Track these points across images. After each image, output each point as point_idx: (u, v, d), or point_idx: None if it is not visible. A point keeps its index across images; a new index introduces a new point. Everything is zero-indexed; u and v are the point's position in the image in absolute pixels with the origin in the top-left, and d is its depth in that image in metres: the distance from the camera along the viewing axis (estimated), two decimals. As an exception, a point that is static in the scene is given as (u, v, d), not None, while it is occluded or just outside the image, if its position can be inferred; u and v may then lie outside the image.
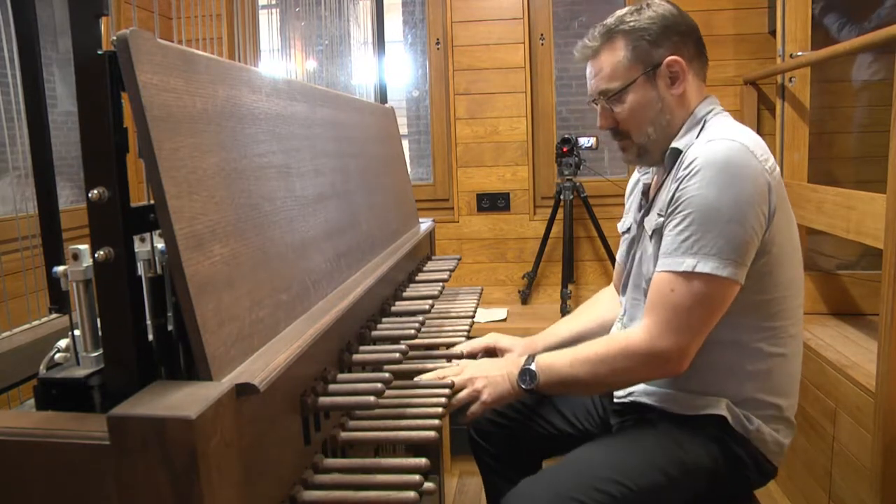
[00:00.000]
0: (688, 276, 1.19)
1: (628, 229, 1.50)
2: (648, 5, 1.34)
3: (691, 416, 1.29)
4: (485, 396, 1.28)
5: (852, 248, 2.60)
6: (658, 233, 1.29)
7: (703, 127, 1.31)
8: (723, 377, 1.29)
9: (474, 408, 1.28)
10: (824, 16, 2.76)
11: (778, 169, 1.26)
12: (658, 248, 1.27)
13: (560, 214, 3.00)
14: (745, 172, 1.18)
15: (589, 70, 1.38)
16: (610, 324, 1.57)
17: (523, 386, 1.28)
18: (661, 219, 1.28)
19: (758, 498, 1.37)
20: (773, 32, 2.79)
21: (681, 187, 1.22)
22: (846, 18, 2.72)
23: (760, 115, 2.91)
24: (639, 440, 1.29)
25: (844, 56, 2.53)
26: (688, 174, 1.21)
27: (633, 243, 1.44)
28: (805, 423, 2.11)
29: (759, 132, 2.88)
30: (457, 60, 3.12)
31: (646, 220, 1.37)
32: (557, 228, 3.04)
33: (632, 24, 1.31)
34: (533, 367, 1.28)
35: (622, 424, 1.40)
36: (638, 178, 1.53)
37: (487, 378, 1.29)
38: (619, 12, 1.35)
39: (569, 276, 2.97)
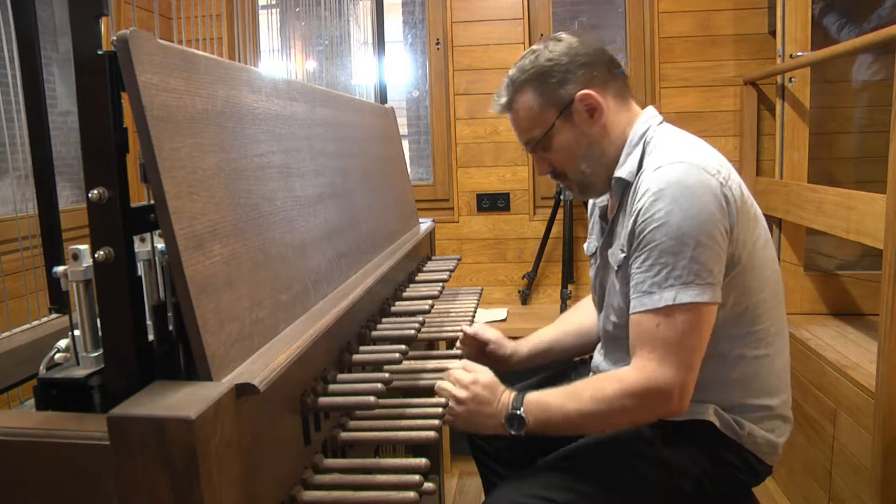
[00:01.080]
0: (669, 310, 1.15)
1: (594, 254, 1.48)
2: (546, 45, 1.31)
3: (679, 421, 1.26)
4: (457, 422, 1.24)
5: (852, 249, 2.60)
6: (623, 269, 1.26)
7: (644, 148, 1.28)
8: (708, 388, 1.25)
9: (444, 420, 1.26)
10: (824, 16, 2.76)
11: (733, 174, 1.22)
12: (625, 284, 1.24)
13: (560, 215, 3.01)
14: (701, 192, 1.15)
15: (511, 123, 1.38)
16: (587, 330, 1.58)
17: (512, 432, 1.23)
18: (624, 255, 1.25)
19: (757, 497, 1.37)
20: (773, 33, 2.79)
21: (639, 221, 1.18)
22: (846, 19, 2.72)
23: (760, 116, 2.91)
24: (625, 445, 1.28)
25: (844, 56, 2.53)
26: (643, 206, 1.18)
27: (600, 270, 1.42)
28: (805, 423, 2.11)
29: (759, 132, 2.89)
30: (457, 61, 3.12)
31: (609, 251, 1.34)
32: (557, 229, 3.04)
33: (531, 70, 1.30)
34: (521, 411, 1.22)
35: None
36: (594, 202, 1.51)
37: (474, 412, 1.24)
38: (519, 61, 1.33)
39: (569, 276, 2.98)
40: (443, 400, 1.12)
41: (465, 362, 1.30)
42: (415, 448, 1.71)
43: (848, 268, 2.58)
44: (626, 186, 1.28)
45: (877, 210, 1.73)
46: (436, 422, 1.00)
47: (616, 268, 1.29)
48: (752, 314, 1.25)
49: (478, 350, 1.59)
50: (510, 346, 1.59)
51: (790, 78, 2.56)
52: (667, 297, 1.15)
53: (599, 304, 1.45)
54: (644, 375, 1.16)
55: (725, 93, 2.94)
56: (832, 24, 2.75)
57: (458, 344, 1.58)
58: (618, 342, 1.35)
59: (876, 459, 1.64)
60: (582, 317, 1.64)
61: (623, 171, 1.28)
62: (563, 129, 1.30)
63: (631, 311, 1.21)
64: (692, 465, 1.26)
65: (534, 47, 1.33)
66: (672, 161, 1.18)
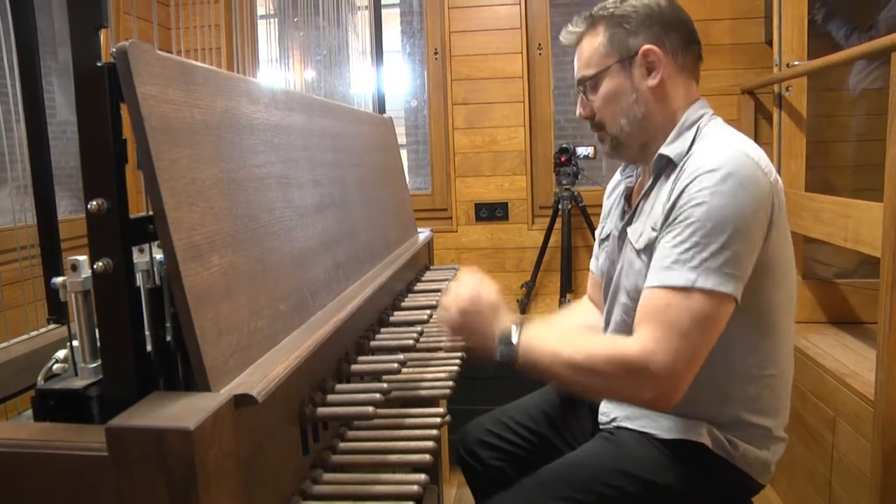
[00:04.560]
0: (686, 291, 1.08)
1: (607, 237, 1.43)
2: None
3: (671, 439, 1.23)
4: (455, 332, 1.25)
5: (850, 257, 2.60)
6: (649, 249, 1.21)
7: (696, 134, 1.24)
8: (707, 399, 1.22)
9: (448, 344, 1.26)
10: (828, 23, 2.76)
11: (780, 181, 1.21)
12: (646, 269, 1.19)
13: (558, 224, 3.01)
14: (752, 185, 1.11)
15: (575, 56, 1.36)
16: (586, 328, 1.53)
17: (498, 358, 1.19)
18: (655, 234, 1.19)
19: (757, 507, 1.37)
20: (769, 42, 2.80)
21: (682, 197, 1.13)
22: (853, 26, 2.72)
23: (758, 125, 2.92)
24: (615, 461, 1.25)
25: (841, 66, 2.54)
26: (689, 183, 1.13)
27: (614, 252, 1.37)
28: (804, 432, 2.11)
29: (756, 141, 2.87)
30: (455, 70, 3.13)
31: (629, 229, 1.30)
32: (556, 238, 3.05)
33: (612, 10, 1.28)
34: (516, 338, 1.19)
35: (603, 444, 1.33)
36: (619, 180, 1.47)
37: (471, 324, 1.23)
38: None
39: (567, 285, 2.98)
40: (441, 410, 1.12)
41: (473, 277, 1.28)
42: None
43: (846, 276, 2.58)
44: (666, 165, 1.24)
45: (874, 218, 1.73)
46: (427, 458, 0.97)
47: (641, 247, 1.24)
48: (769, 327, 1.22)
49: None
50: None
51: (787, 87, 2.57)
52: (687, 278, 1.09)
53: (605, 292, 1.40)
54: (641, 351, 1.08)
55: (723, 102, 2.94)
56: (838, 31, 2.75)
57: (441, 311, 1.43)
58: (626, 330, 1.27)
59: (875, 468, 1.64)
60: (579, 316, 1.59)
61: (670, 149, 1.23)
62: (617, 76, 1.27)
63: (646, 284, 1.15)
64: (683, 484, 1.23)
65: None
66: (729, 147, 1.15)
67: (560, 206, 2.98)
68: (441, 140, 3.25)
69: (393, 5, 3.35)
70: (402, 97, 3.43)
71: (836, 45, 2.72)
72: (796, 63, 2.53)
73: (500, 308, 1.24)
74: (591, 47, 1.30)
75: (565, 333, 1.22)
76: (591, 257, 1.55)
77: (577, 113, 1.35)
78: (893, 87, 1.57)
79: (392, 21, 3.33)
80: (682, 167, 1.19)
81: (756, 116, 2.91)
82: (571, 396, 1.50)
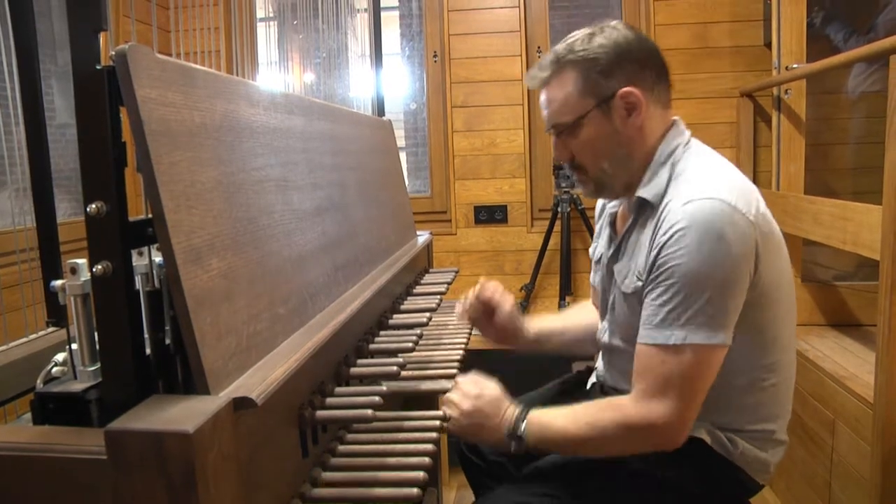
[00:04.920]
0: (678, 348, 1.12)
1: (598, 260, 1.44)
2: (602, 30, 1.24)
3: None
4: (460, 433, 1.27)
5: (849, 259, 2.60)
6: (636, 296, 1.22)
7: (671, 172, 1.22)
8: (708, 409, 1.21)
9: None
10: (826, 26, 2.76)
11: (761, 204, 1.18)
12: (637, 309, 1.21)
13: (558, 226, 3.01)
14: (731, 234, 1.10)
15: (542, 99, 1.30)
16: (591, 327, 1.54)
17: (513, 448, 1.24)
18: (640, 283, 1.21)
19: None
20: (768, 45, 2.81)
21: (662, 254, 1.14)
22: (852, 28, 2.72)
23: (757, 127, 2.92)
24: (615, 461, 1.26)
25: (839, 68, 2.55)
26: (668, 242, 1.13)
27: (605, 280, 1.38)
28: (804, 435, 2.11)
29: (755, 144, 2.90)
30: (454, 73, 3.13)
31: (615, 267, 1.31)
32: (555, 240, 3.05)
33: (581, 53, 1.23)
34: (523, 431, 1.23)
35: None
36: (603, 203, 1.47)
37: (477, 426, 1.25)
38: (571, 37, 1.26)
39: (566, 287, 2.98)
40: (440, 412, 1.12)
41: (474, 375, 1.30)
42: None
43: (845, 278, 2.59)
44: (645, 206, 1.24)
45: (873, 221, 1.74)
46: (427, 460, 0.96)
47: (628, 292, 1.26)
48: (768, 347, 1.23)
49: (484, 319, 1.55)
50: (519, 324, 1.55)
51: (786, 90, 2.57)
52: (677, 336, 1.12)
53: (602, 312, 1.42)
54: (643, 410, 1.15)
55: (722, 104, 2.95)
56: (837, 34, 2.75)
57: (465, 307, 1.54)
58: (623, 355, 1.32)
59: (875, 470, 1.64)
60: (587, 315, 1.60)
61: (647, 191, 1.23)
62: (597, 121, 1.24)
63: (638, 339, 1.18)
64: (682, 479, 1.24)
65: (588, 29, 1.26)
66: (702, 196, 1.13)
67: (559, 209, 2.98)
68: (440, 143, 3.25)
69: (392, 8, 3.35)
70: (402, 100, 3.43)
71: (834, 48, 2.73)
72: (795, 66, 2.53)
73: (503, 400, 1.28)
74: (564, 92, 1.25)
75: (565, 412, 1.24)
76: (589, 260, 1.56)
77: (554, 157, 1.35)
78: (892, 90, 1.58)
79: (391, 24, 3.33)
80: (660, 212, 1.19)
81: (755, 119, 2.91)
82: (574, 393, 1.52)
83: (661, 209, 1.19)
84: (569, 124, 1.26)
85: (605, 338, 1.40)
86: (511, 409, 1.26)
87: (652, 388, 1.15)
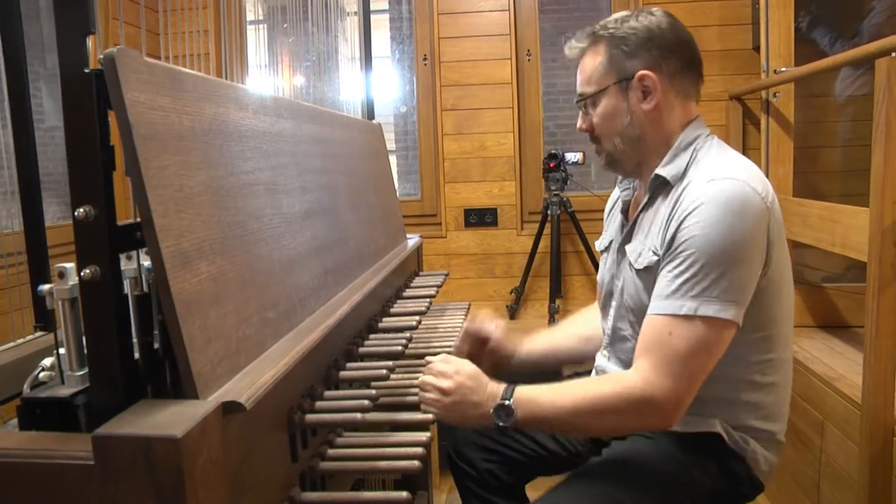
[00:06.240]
0: (688, 319, 1.13)
1: (607, 248, 1.45)
2: (639, 14, 1.30)
3: (687, 433, 1.25)
4: (444, 414, 1.19)
5: (838, 261, 2.62)
6: (650, 271, 1.23)
7: (692, 156, 1.26)
8: (716, 406, 1.24)
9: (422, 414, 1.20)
10: (812, 30, 2.78)
11: (776, 199, 1.23)
12: (649, 284, 1.22)
13: (547, 229, 3.01)
14: (749, 212, 1.14)
15: (577, 70, 1.37)
16: (588, 337, 1.54)
17: (499, 423, 1.18)
18: (655, 258, 1.22)
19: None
20: (757, 48, 2.82)
21: (681, 227, 1.17)
22: (838, 33, 2.74)
23: (745, 130, 2.93)
24: (638, 462, 1.26)
25: (827, 72, 2.56)
26: (688, 215, 1.16)
27: (614, 266, 1.39)
28: (793, 436, 2.12)
29: (744, 147, 2.91)
30: (444, 76, 3.14)
31: (628, 247, 1.33)
32: (545, 243, 3.05)
33: (612, 31, 1.29)
34: (511, 402, 1.18)
35: (616, 445, 1.35)
36: (618, 195, 1.49)
37: (460, 403, 1.19)
38: (612, 16, 1.33)
39: (556, 290, 2.98)
40: (430, 416, 1.12)
41: (444, 355, 1.26)
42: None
43: (834, 280, 2.60)
44: (662, 186, 1.27)
45: (861, 223, 1.75)
46: (420, 450, 0.96)
47: (641, 268, 1.27)
48: (769, 342, 1.25)
49: (477, 348, 1.53)
50: (511, 346, 1.55)
51: (774, 93, 2.59)
52: (689, 307, 1.13)
53: (606, 303, 1.42)
54: (644, 383, 1.14)
55: (711, 107, 2.96)
56: (823, 38, 2.77)
57: (457, 343, 1.52)
58: (628, 343, 1.32)
59: (863, 470, 1.65)
60: (583, 324, 1.60)
61: (666, 171, 1.26)
62: (614, 97, 1.30)
63: (648, 311, 1.19)
64: (708, 478, 1.25)
65: (627, 12, 1.33)
66: (725, 176, 1.17)
67: (549, 212, 2.98)
68: (430, 146, 3.26)
69: (382, 11, 3.36)
70: (392, 103, 3.43)
71: (822, 53, 2.74)
72: (783, 69, 2.54)
73: (481, 375, 1.23)
74: (592, 65, 1.32)
75: (555, 385, 1.21)
76: (579, 263, 1.56)
77: (577, 126, 1.38)
78: (878, 94, 1.59)
79: (381, 27, 3.33)
80: (679, 191, 1.22)
81: (744, 122, 2.92)
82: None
83: (680, 188, 1.22)
84: (591, 95, 1.32)
85: (612, 325, 1.39)
86: (493, 384, 1.22)
87: (657, 361, 1.14)
